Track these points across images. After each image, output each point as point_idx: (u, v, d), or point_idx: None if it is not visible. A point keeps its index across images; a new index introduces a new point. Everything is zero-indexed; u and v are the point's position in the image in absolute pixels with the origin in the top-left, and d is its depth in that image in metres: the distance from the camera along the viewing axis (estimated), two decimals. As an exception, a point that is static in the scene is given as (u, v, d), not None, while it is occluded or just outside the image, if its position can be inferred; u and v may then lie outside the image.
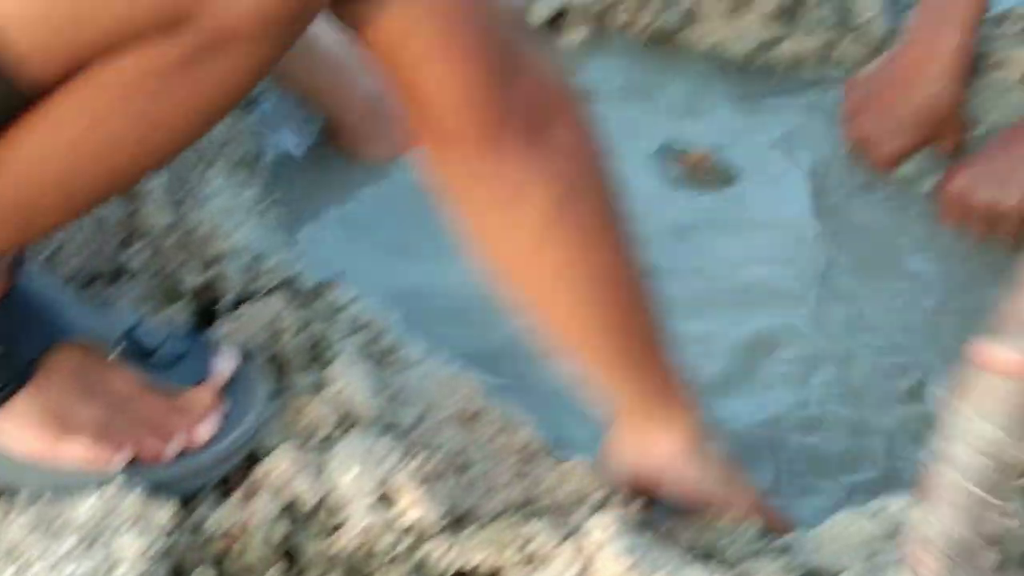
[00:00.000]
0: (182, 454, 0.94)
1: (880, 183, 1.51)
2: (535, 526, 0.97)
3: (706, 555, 0.97)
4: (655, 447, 0.97)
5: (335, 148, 1.40)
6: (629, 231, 0.90)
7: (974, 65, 1.58)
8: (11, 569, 0.85)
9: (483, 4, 0.82)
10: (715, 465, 0.98)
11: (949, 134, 1.55)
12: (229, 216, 1.11)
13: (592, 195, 0.88)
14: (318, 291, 1.15)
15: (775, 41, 1.65)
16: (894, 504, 0.95)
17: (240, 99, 0.75)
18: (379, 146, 1.40)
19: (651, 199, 1.39)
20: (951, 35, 1.50)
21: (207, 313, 1.09)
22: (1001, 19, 1.61)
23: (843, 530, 0.94)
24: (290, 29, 0.71)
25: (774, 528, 0.99)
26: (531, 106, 0.83)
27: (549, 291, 0.90)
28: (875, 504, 0.96)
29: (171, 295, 1.08)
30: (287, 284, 1.11)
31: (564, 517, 1.03)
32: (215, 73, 0.70)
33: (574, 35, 1.65)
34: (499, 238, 0.89)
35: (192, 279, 1.05)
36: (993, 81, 1.58)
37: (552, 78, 0.85)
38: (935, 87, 1.51)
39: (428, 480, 0.97)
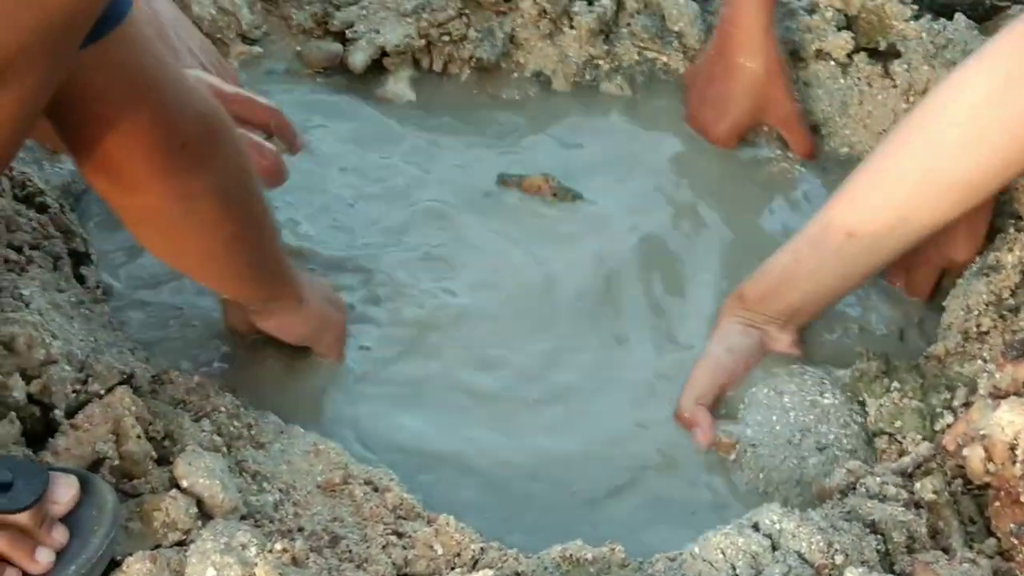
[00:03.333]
0: None
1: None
2: (412, 596, 0.94)
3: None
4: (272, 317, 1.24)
5: None
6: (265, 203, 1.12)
7: (795, 57, 1.61)
8: None
9: (160, 63, 0.92)
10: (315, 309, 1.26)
11: (777, 108, 1.57)
12: (48, 321, 1.06)
13: (248, 190, 1.07)
14: (159, 382, 1.11)
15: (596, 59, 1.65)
16: (765, 516, 0.93)
17: (22, 130, 0.79)
18: None
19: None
20: (757, 13, 1.52)
21: (46, 423, 1.03)
22: (812, 8, 1.64)
23: (720, 552, 0.92)
24: (54, 59, 0.76)
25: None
26: (198, 136, 0.96)
27: (221, 257, 1.10)
28: (744, 519, 0.94)
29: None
30: (124, 382, 1.06)
31: (442, 579, 1.01)
32: None
33: (398, 79, 1.62)
34: (182, 234, 1.04)
35: (17, 394, 0.99)
36: (818, 70, 1.61)
37: (208, 104, 0.99)
38: (754, 63, 1.53)
39: (293, 564, 0.94)
